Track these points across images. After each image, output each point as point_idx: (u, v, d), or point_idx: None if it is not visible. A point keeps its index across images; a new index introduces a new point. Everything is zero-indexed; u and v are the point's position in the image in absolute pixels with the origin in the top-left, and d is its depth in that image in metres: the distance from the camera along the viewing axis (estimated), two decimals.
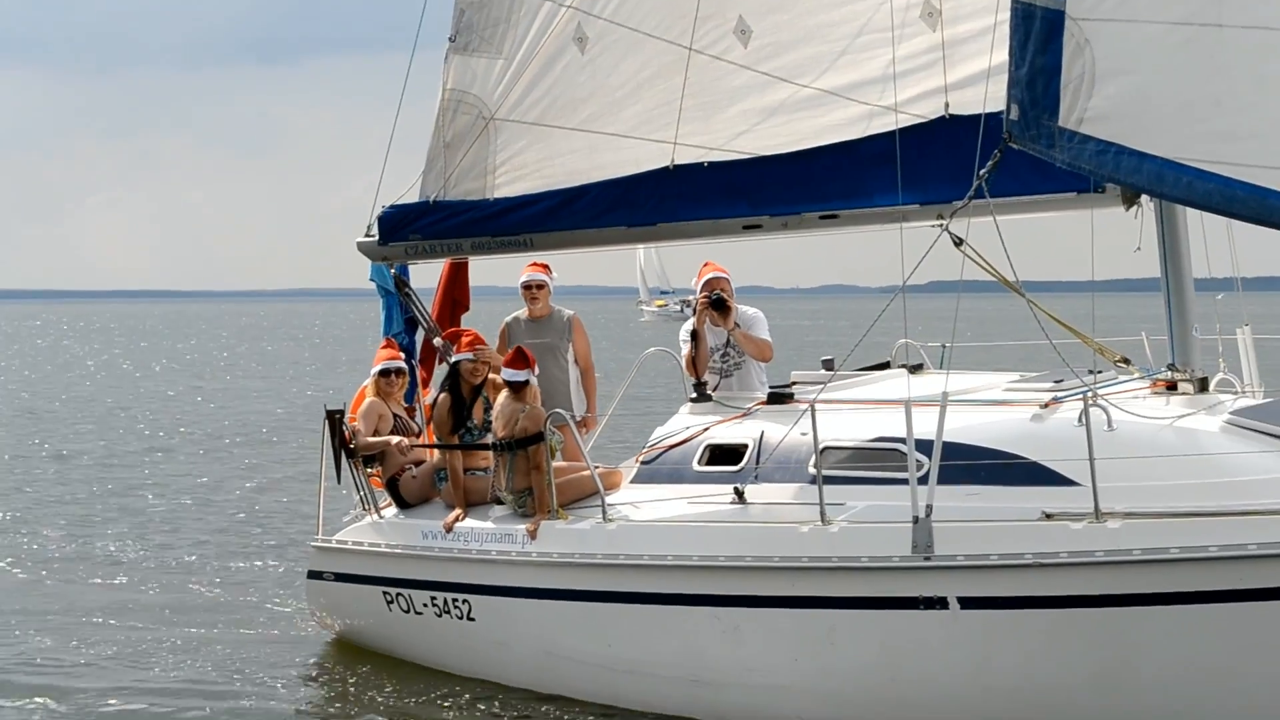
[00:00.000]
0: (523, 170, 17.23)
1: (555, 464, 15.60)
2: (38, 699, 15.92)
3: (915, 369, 16.44)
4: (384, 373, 17.17)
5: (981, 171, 13.38)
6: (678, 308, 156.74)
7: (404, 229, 17.39)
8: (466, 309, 18.39)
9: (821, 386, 15.09)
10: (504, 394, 15.78)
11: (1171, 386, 14.48)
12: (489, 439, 16.07)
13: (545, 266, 17.55)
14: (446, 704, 15.51)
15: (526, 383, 15.70)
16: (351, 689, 16.30)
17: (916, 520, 13.16)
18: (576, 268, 19.83)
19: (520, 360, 15.72)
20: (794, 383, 16.01)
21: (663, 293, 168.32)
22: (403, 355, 17.51)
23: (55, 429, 46.78)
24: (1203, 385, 14.50)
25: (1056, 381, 14.61)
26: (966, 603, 13.13)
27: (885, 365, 16.93)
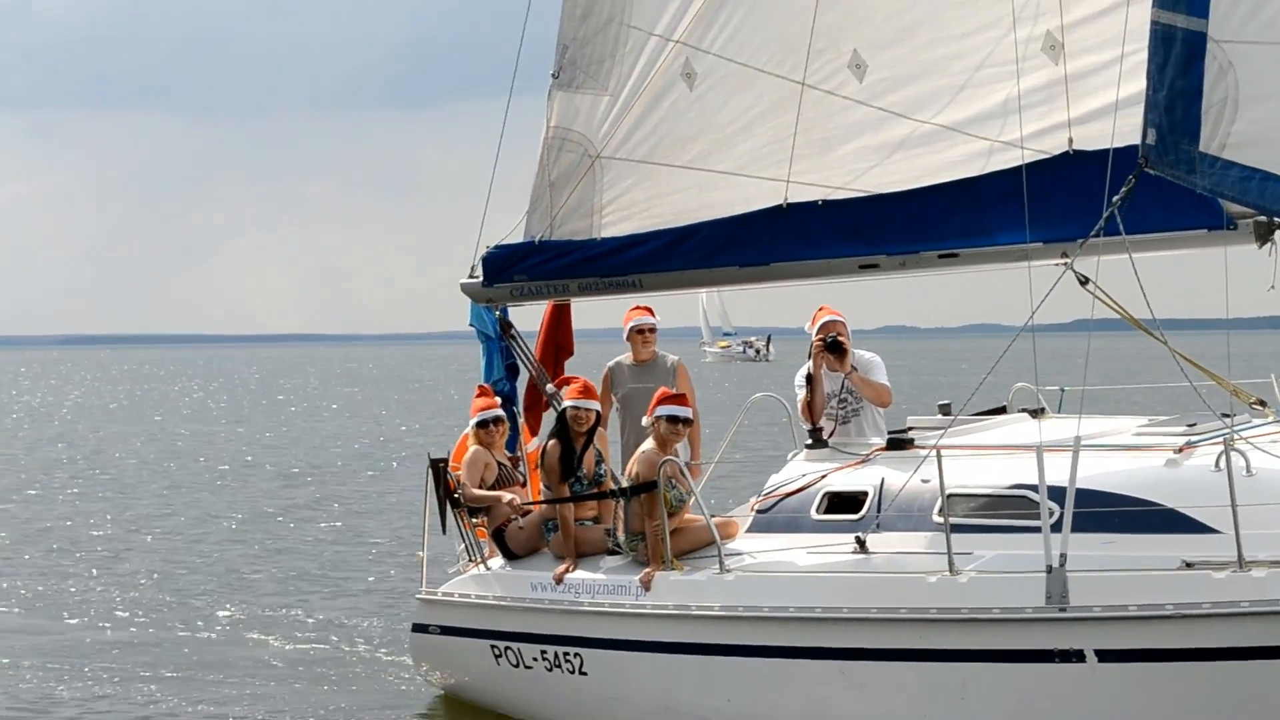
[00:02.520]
0: (630, 209, 17.06)
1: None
2: None
3: (1036, 413, 16.02)
4: (482, 424, 16.87)
5: (1115, 199, 13.15)
6: (740, 349, 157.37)
7: (509, 270, 17.25)
8: (570, 354, 18.13)
9: (943, 431, 14.79)
10: (649, 442, 15.45)
11: None
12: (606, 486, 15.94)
13: (651, 310, 17.30)
14: None
15: (689, 421, 15.55)
16: None
17: (1050, 569, 12.89)
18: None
19: (681, 399, 15.53)
20: (911, 428, 15.63)
21: (725, 334, 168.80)
22: (499, 402, 17.16)
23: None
24: None
25: (1190, 425, 14.25)
26: (1104, 656, 12.82)
27: (1002, 410, 16.56)
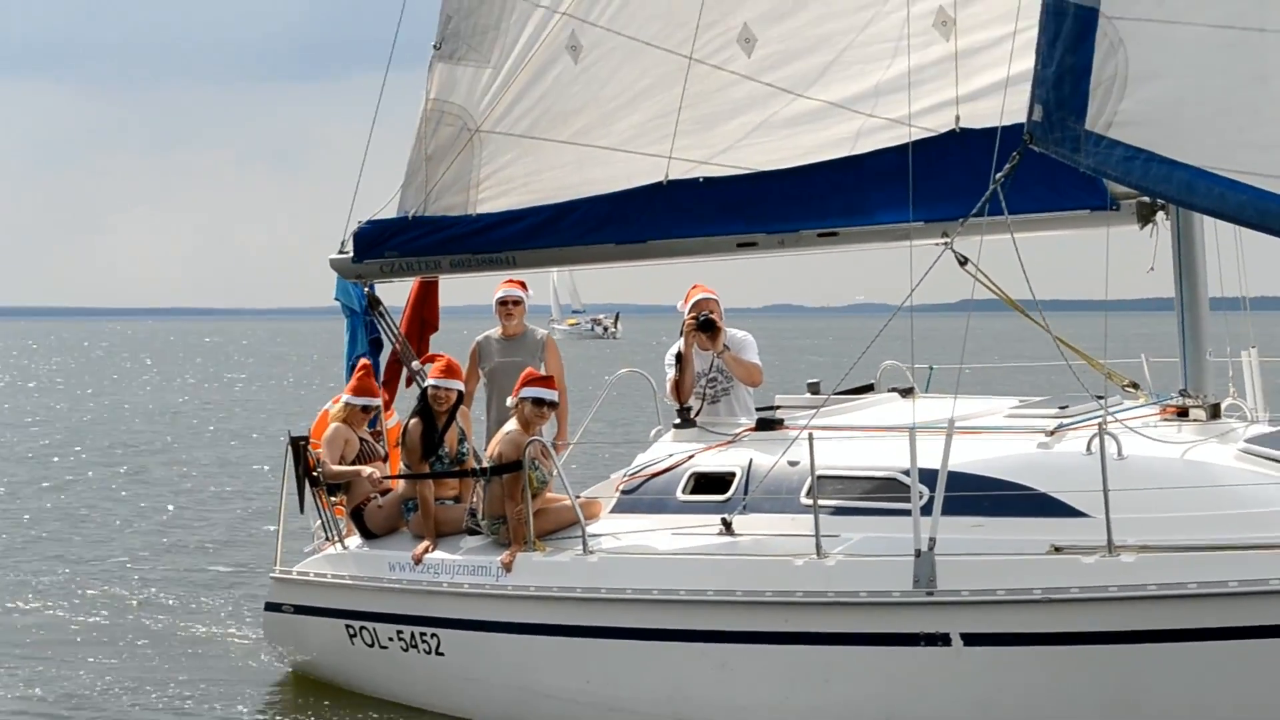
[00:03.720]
0: (509, 185, 16.97)
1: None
2: None
3: (905, 393, 16.14)
4: (365, 407, 16.80)
5: (998, 176, 13.07)
6: (588, 326, 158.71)
7: (380, 245, 17.17)
8: (435, 329, 18.13)
9: (814, 412, 14.90)
10: (512, 423, 15.42)
11: (1183, 413, 14.22)
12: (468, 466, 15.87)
13: (522, 284, 17.27)
14: None
15: (554, 402, 15.51)
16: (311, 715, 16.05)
17: (919, 553, 12.91)
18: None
19: (546, 382, 15.49)
20: (779, 407, 15.76)
21: (574, 311, 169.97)
22: (381, 391, 17.15)
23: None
24: (1214, 412, 14.27)
25: (1062, 407, 14.38)
26: (971, 639, 12.84)
27: (869, 389, 16.56)
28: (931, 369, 15.72)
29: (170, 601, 21.82)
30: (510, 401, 15.56)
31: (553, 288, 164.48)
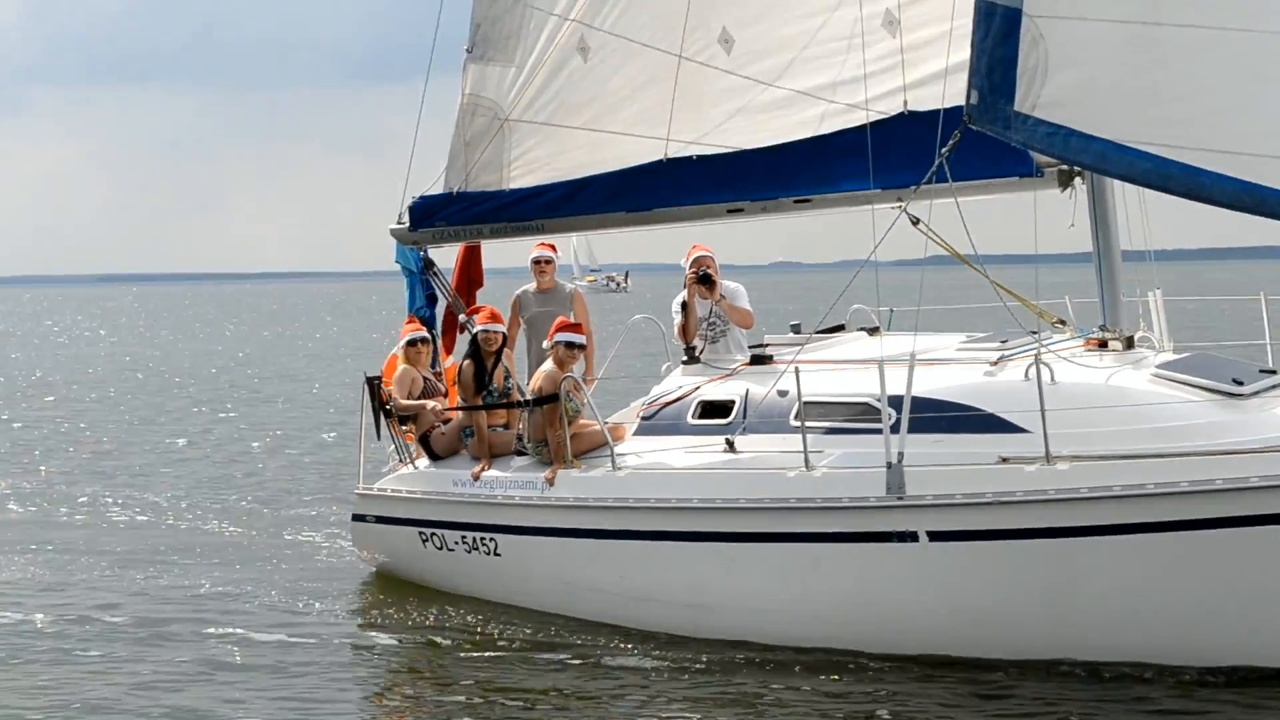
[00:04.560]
0: (534, 164, 16.85)
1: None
2: (120, 622, 15.53)
3: (872, 332, 15.97)
4: (411, 342, 16.73)
5: (943, 150, 13.10)
6: (603, 282, 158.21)
7: (431, 217, 17.12)
8: (481, 285, 17.85)
9: (800, 348, 14.83)
10: (549, 362, 15.35)
11: (1103, 344, 14.05)
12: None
13: (552, 246, 17.15)
14: (475, 626, 15.09)
15: (582, 345, 15.52)
16: (391, 614, 15.87)
17: (890, 465, 12.86)
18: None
19: (576, 328, 15.50)
20: (768, 345, 15.53)
21: (591, 270, 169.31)
22: (424, 327, 17.02)
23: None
24: (1129, 343, 14.11)
25: (1003, 341, 14.23)
26: (934, 536, 12.84)
27: (841, 328, 16.42)
28: (891, 311, 15.52)
29: (269, 513, 21.86)
30: (546, 345, 15.50)
31: (573, 250, 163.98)
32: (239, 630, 15.27)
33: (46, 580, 17.80)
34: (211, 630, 15.20)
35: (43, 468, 28.01)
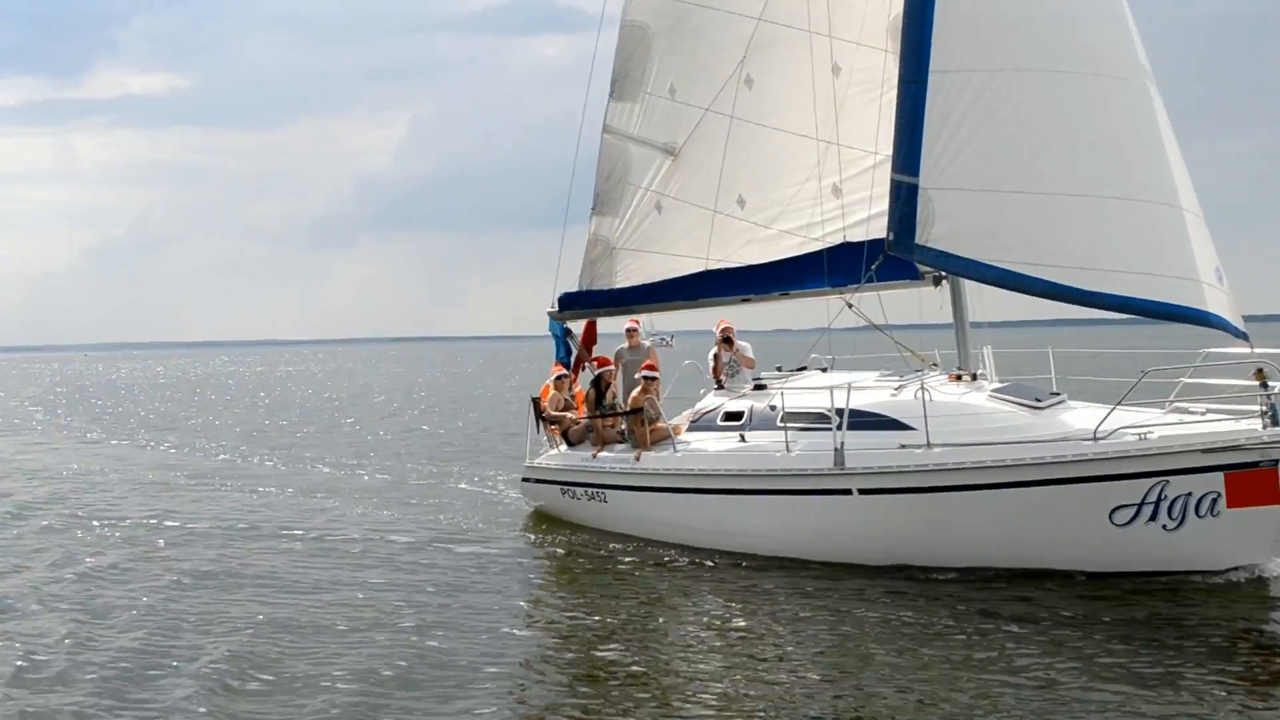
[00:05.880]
0: (629, 274, 16.55)
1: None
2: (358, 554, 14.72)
3: (824, 370, 15.42)
4: (558, 377, 16.42)
5: (873, 266, 12.99)
6: (659, 341, 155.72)
7: (570, 305, 16.87)
8: (595, 343, 17.36)
9: (782, 381, 14.52)
10: (638, 389, 15.02)
11: (959, 378, 13.62)
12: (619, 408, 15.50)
13: (636, 320, 16.69)
14: (591, 542, 14.62)
15: (656, 378, 15.16)
16: (542, 531, 15.48)
17: (835, 450, 12.51)
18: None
19: (653, 367, 15.30)
20: (764, 378, 15.10)
21: (650, 334, 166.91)
22: (564, 369, 16.69)
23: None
24: (974, 377, 13.69)
25: (902, 376, 13.83)
26: (862, 492, 12.46)
27: (805, 368, 15.76)
28: (833, 358, 15.06)
29: (476, 477, 21.42)
30: (635, 377, 15.19)
31: (641, 322, 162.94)
32: (455, 537, 15.04)
33: (361, 515, 17.24)
34: (438, 541, 14.86)
35: (364, 461, 27.46)
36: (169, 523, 16.73)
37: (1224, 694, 8.48)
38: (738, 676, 9.20)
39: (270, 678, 9.40)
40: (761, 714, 8.39)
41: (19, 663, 9.85)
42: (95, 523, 16.79)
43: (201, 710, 8.73)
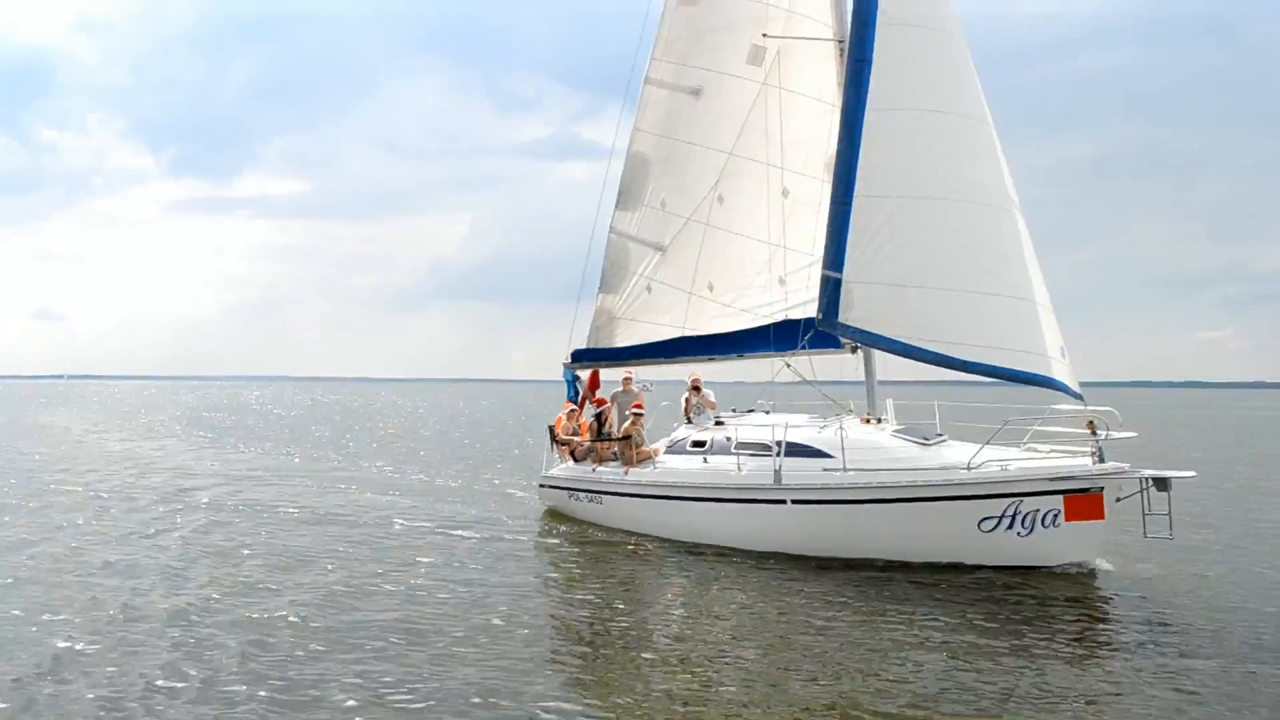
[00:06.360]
0: (627, 337, 16.41)
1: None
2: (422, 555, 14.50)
3: (768, 412, 15.36)
4: (570, 412, 16.37)
5: (805, 337, 13.11)
6: (645, 387, 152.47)
7: (582, 357, 16.73)
8: (598, 387, 17.21)
9: (737, 418, 14.44)
10: (629, 421, 15.00)
11: (868, 420, 13.67)
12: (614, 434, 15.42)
13: (630, 371, 16.58)
14: (589, 532, 14.46)
15: (642, 415, 15.15)
16: (553, 524, 15.20)
17: (775, 471, 12.50)
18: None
19: (640, 406, 15.26)
20: (721, 417, 15.03)
21: (638, 382, 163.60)
22: (573, 405, 16.60)
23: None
24: (879, 420, 13.74)
25: (825, 419, 13.83)
26: (795, 501, 12.39)
27: (753, 410, 15.76)
28: (773, 403, 14.85)
29: (498, 485, 21.05)
30: (626, 413, 15.18)
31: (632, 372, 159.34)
32: (476, 526, 14.79)
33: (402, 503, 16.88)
34: (461, 531, 14.60)
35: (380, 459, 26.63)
36: (289, 509, 16.48)
37: (1060, 643, 8.70)
38: (690, 630, 9.26)
39: (331, 623, 9.46)
40: (703, 646, 8.50)
41: (184, 606, 9.81)
42: (221, 509, 16.60)
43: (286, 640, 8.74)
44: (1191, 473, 11.10)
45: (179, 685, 7.70)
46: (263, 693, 7.56)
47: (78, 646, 8.52)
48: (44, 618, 9.35)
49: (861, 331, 12.45)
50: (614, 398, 16.41)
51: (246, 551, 12.63)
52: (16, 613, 9.52)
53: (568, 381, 17.10)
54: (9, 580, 10.87)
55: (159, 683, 7.75)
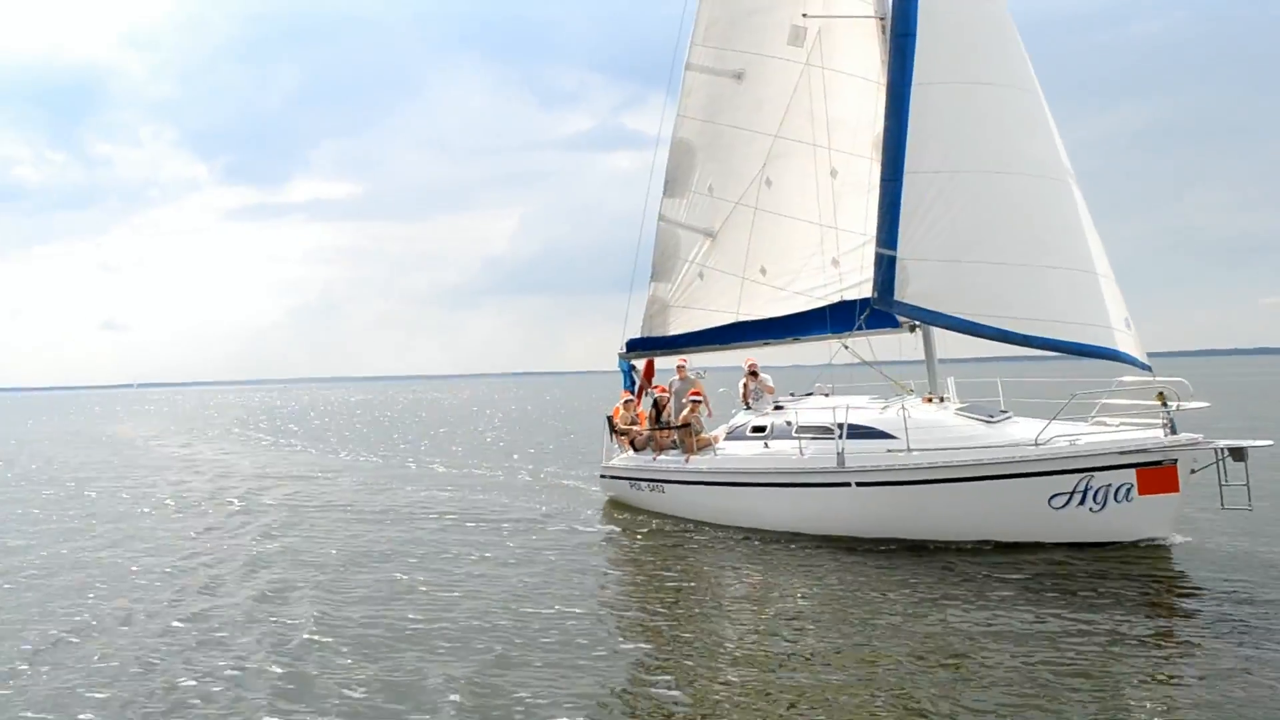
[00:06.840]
0: (680, 325, 16.40)
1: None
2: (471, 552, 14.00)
3: (827, 394, 15.32)
4: (626, 401, 16.43)
5: (861, 316, 13.06)
6: (699, 374, 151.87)
7: (637, 346, 16.75)
8: (653, 375, 17.35)
9: (796, 401, 14.41)
10: (687, 409, 14.96)
11: (930, 400, 13.54)
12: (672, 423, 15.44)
13: (684, 359, 16.60)
14: (651, 521, 14.48)
15: (701, 401, 15.12)
16: (615, 514, 15.26)
17: (838, 453, 12.42)
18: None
19: (698, 393, 15.20)
20: (780, 401, 15.03)
21: (693, 369, 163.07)
22: (630, 395, 16.66)
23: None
24: (942, 400, 13.60)
25: (887, 399, 13.73)
26: (860, 484, 12.31)
27: (811, 394, 15.71)
28: (833, 385, 14.87)
29: (561, 474, 21.17)
30: (683, 401, 15.15)
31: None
32: (553, 516, 14.91)
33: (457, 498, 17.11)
34: (541, 518, 14.72)
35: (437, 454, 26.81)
36: (361, 505, 16.97)
37: (1135, 625, 8.54)
38: (751, 619, 9.32)
39: (412, 601, 9.74)
40: (774, 638, 8.54)
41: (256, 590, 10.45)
42: (291, 505, 17.12)
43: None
44: (1269, 441, 10.79)
45: (262, 677, 8.12)
46: (360, 679, 7.92)
47: (164, 639, 9.22)
48: (162, 600, 10.50)
49: (919, 309, 12.28)
50: (670, 386, 16.40)
51: (334, 551, 13.01)
52: (121, 601, 10.52)
53: (624, 371, 17.11)
54: (110, 576, 11.78)
55: (232, 674, 8.19)
